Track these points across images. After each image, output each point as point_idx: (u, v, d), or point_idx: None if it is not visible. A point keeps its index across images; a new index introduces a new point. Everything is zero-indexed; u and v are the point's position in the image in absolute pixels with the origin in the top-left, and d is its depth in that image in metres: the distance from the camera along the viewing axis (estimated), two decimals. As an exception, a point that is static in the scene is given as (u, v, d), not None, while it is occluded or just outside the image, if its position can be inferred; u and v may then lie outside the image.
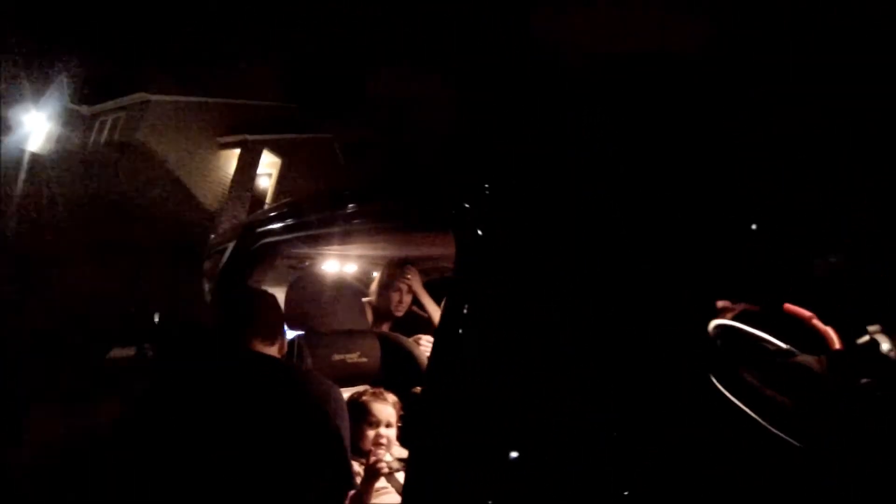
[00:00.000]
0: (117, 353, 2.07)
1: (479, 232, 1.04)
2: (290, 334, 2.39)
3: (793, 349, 0.93)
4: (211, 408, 1.34)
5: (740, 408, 0.80)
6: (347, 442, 1.40)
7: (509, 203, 1.07)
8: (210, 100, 16.12)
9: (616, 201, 1.02)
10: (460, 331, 0.99)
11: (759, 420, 0.78)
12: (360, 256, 3.00)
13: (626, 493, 0.78)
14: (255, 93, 17.55)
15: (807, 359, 0.88)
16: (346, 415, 1.42)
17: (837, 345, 0.92)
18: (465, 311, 1.00)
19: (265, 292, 1.79)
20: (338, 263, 3.46)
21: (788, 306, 0.98)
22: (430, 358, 1.07)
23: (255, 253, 2.16)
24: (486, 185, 1.10)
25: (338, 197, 1.64)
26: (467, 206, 1.09)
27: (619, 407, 0.85)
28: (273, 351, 1.59)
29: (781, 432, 0.77)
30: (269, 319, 1.61)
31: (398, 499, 1.64)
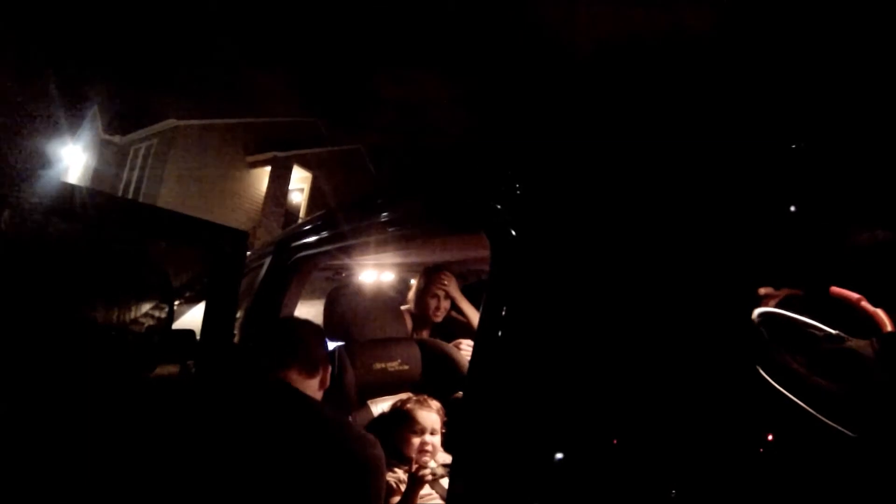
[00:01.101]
0: (162, 370, 2.11)
1: (513, 232, 1.03)
2: (331, 345, 2.42)
3: (842, 334, 0.89)
4: (235, 441, 1.32)
5: (790, 398, 0.77)
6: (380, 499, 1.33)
7: (541, 202, 1.05)
8: (237, 120, 16.47)
9: (650, 191, 1.00)
10: (499, 333, 0.98)
11: (810, 410, 0.75)
12: (396, 265, 3.01)
13: (673, 491, 0.76)
14: (281, 109, 17.89)
15: (857, 343, 0.84)
16: (381, 473, 1.34)
17: (889, 327, 0.88)
18: (503, 313, 0.99)
19: (309, 323, 1.73)
20: (375, 273, 3.49)
21: (835, 289, 0.94)
22: (470, 362, 1.06)
23: (291, 267, 2.19)
24: (517, 186, 1.08)
25: (369, 205, 1.64)
26: (499, 206, 1.08)
27: (664, 404, 0.83)
28: (313, 384, 1.52)
29: (833, 422, 0.74)
30: (312, 352, 1.53)
31: None
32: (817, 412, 0.75)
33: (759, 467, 0.75)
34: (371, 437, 1.40)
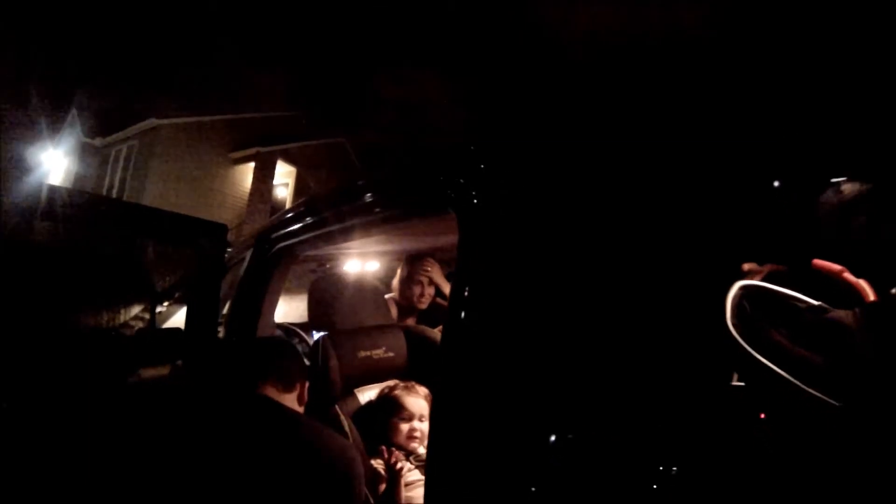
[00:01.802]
0: (147, 372, 2.09)
1: (479, 208, 1.02)
2: (316, 335, 2.40)
3: (824, 305, 0.87)
4: (214, 451, 1.31)
5: (773, 370, 0.77)
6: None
7: (507, 177, 1.03)
8: (219, 117, 16.34)
9: (624, 164, 0.99)
10: (466, 312, 0.96)
11: (795, 381, 0.75)
12: (380, 253, 3.00)
13: (661, 468, 0.76)
14: (262, 105, 17.74)
15: (840, 314, 0.82)
16: (359, 476, 1.33)
17: (872, 296, 0.88)
18: (468, 292, 0.97)
19: (283, 341, 1.75)
20: (359, 263, 3.47)
21: (817, 261, 0.93)
22: (440, 346, 1.05)
23: (273, 258, 2.16)
24: (481, 161, 1.07)
25: (349, 190, 1.63)
26: (462, 181, 1.07)
27: (644, 382, 0.82)
28: (290, 399, 1.54)
29: (818, 392, 0.74)
30: (287, 369, 1.56)
31: None
32: (802, 383, 0.75)
33: (745, 439, 0.76)
34: (348, 443, 1.41)
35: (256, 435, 1.32)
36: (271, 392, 1.50)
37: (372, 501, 1.66)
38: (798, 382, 0.75)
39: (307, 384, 1.62)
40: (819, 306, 0.87)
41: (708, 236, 0.95)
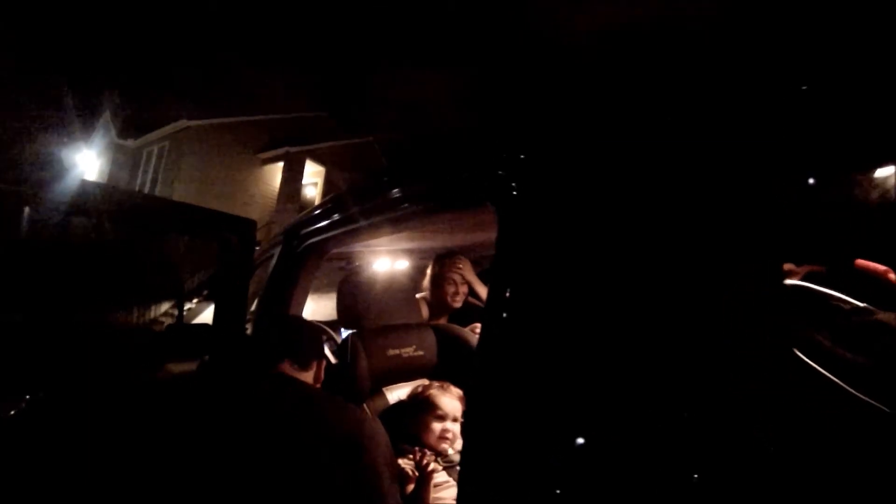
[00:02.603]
0: (174, 366, 2.09)
1: (519, 201, 0.98)
2: (344, 333, 2.38)
3: (870, 307, 0.83)
4: (233, 432, 1.33)
5: (821, 373, 0.74)
6: (383, 474, 1.32)
7: (549, 168, 0.99)
8: (248, 118, 16.58)
9: (663, 155, 0.94)
10: (504, 314, 0.92)
11: (843, 385, 0.72)
12: (410, 251, 2.98)
13: (695, 475, 0.71)
14: (291, 106, 17.95)
15: (887, 316, 0.79)
16: (380, 448, 1.35)
17: None
18: (509, 289, 0.93)
19: (300, 319, 1.79)
20: (388, 261, 3.45)
21: (860, 262, 0.89)
22: (477, 345, 1.00)
23: (302, 255, 2.15)
24: (521, 153, 1.03)
25: (378, 185, 1.60)
26: (501, 173, 1.03)
27: (687, 385, 0.77)
28: (307, 377, 1.58)
29: (864, 395, 0.70)
30: (303, 348, 1.60)
31: None
32: (848, 386, 0.72)
33: (790, 450, 0.70)
34: (363, 413, 1.44)
35: (271, 412, 1.34)
36: (287, 371, 1.53)
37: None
38: (846, 386, 0.72)
39: (323, 363, 1.64)
40: (864, 308, 0.84)
41: (746, 235, 0.89)
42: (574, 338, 0.84)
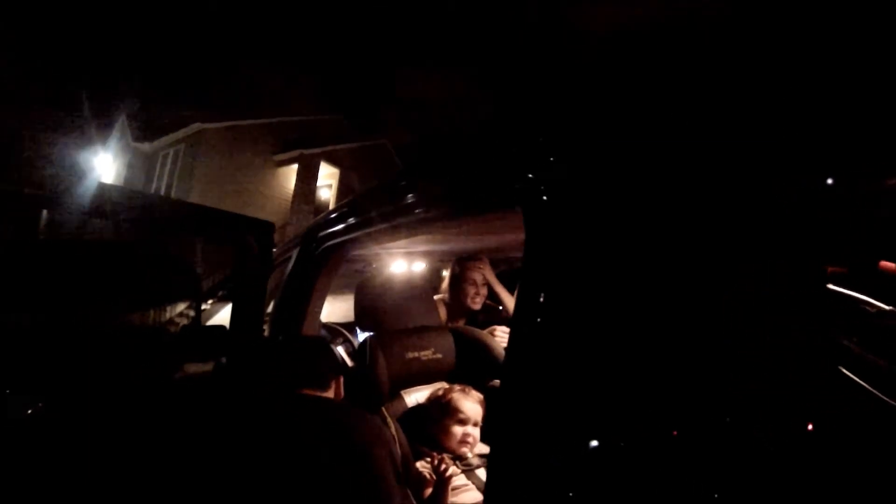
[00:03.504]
0: (192, 367, 2.09)
1: (549, 204, 0.95)
2: (362, 336, 2.37)
3: (895, 310, 0.81)
4: (251, 446, 1.32)
5: (851, 378, 0.73)
6: (392, 485, 1.31)
7: (579, 171, 0.97)
8: (262, 121, 16.68)
9: (692, 155, 0.91)
10: (538, 319, 0.89)
11: (873, 390, 0.71)
12: (427, 253, 2.96)
13: (721, 484, 0.69)
14: (305, 108, 18.05)
15: None
16: (393, 456, 1.35)
17: None
18: (540, 292, 0.90)
19: (310, 339, 1.77)
20: (405, 263, 3.44)
21: (885, 263, 0.87)
22: (506, 350, 0.98)
23: (320, 257, 2.14)
24: (551, 155, 1.01)
25: (396, 187, 1.58)
26: (531, 176, 1.01)
27: (712, 392, 0.76)
28: (328, 395, 1.57)
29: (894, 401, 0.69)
30: (317, 369, 1.58)
31: (479, 496, 1.61)
32: (879, 392, 0.71)
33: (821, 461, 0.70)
34: (377, 420, 1.43)
35: (287, 430, 1.33)
36: (309, 392, 1.52)
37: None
38: (876, 391, 0.71)
39: (342, 379, 1.63)
40: (890, 311, 0.82)
41: (774, 236, 0.87)
42: (607, 341, 0.82)
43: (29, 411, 1.55)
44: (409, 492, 1.59)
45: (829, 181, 0.85)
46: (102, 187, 1.80)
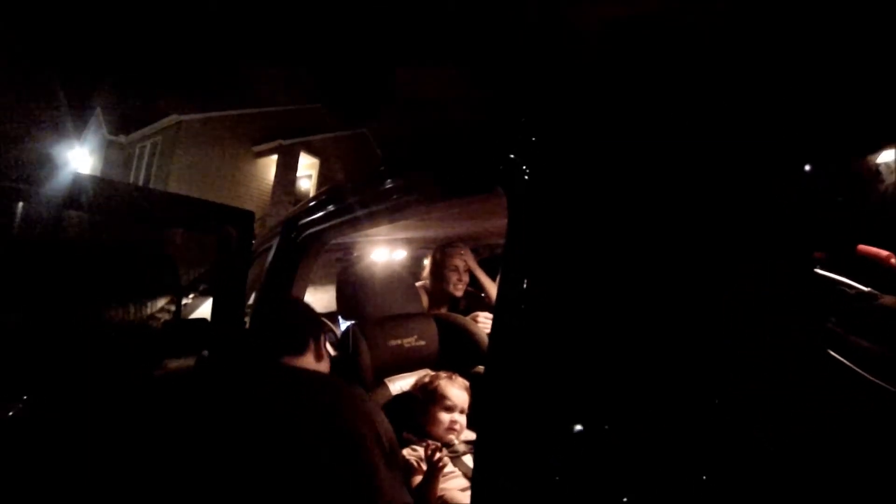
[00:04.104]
0: (173, 363, 2.07)
1: (531, 185, 0.95)
2: (344, 324, 2.36)
3: (874, 291, 0.84)
4: (233, 429, 1.30)
5: (836, 358, 0.74)
6: (379, 465, 1.28)
7: (563, 151, 0.97)
8: (240, 111, 16.49)
9: (675, 136, 0.91)
10: (517, 302, 0.89)
11: (857, 370, 0.72)
12: (408, 240, 2.96)
13: (709, 465, 0.69)
14: (284, 98, 17.86)
15: (890, 300, 0.81)
16: (379, 435, 1.31)
17: None
18: (522, 276, 0.90)
19: (291, 300, 1.76)
20: (386, 251, 3.43)
21: (863, 247, 0.89)
22: (490, 336, 0.98)
23: (300, 246, 2.13)
24: (533, 135, 1.00)
25: (380, 173, 1.57)
26: (513, 157, 1.00)
27: (698, 376, 0.75)
28: (308, 360, 1.52)
29: (875, 378, 0.71)
30: (293, 333, 1.53)
31: (465, 482, 1.61)
32: (861, 371, 0.72)
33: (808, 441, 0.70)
34: (359, 390, 1.43)
35: (270, 406, 1.31)
36: (289, 359, 1.49)
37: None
38: (858, 370, 0.72)
39: (321, 339, 1.59)
40: (868, 293, 0.84)
41: (753, 221, 0.87)
42: (591, 325, 0.82)
43: (10, 413, 1.52)
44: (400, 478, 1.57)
45: (807, 167, 0.86)
46: (78, 178, 1.77)
